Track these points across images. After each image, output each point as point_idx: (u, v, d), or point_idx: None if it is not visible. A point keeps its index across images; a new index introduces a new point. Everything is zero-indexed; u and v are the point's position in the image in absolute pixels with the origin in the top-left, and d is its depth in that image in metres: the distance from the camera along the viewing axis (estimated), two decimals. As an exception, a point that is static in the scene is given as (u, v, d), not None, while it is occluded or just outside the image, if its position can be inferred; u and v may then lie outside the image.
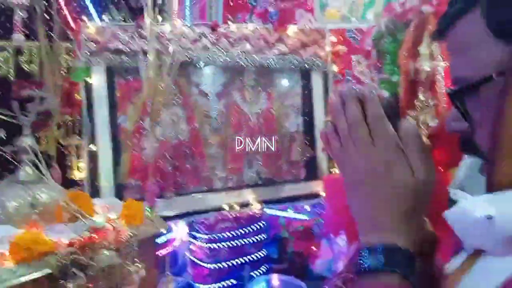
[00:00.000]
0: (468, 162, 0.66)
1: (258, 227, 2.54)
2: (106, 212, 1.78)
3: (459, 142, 0.64)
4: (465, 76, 0.58)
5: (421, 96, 1.85)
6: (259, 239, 2.54)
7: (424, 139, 1.86)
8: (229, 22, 2.63)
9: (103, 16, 2.41)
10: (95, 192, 2.25)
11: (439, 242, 0.71)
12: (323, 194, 2.63)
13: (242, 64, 2.57)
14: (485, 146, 0.57)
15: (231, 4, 3.10)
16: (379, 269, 0.56)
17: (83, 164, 2.36)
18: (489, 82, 0.54)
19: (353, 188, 0.61)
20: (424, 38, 1.86)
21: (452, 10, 0.59)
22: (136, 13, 2.52)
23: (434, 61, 1.82)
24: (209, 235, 2.40)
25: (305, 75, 2.79)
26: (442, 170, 1.78)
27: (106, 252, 1.55)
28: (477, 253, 0.57)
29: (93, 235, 1.55)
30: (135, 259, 1.61)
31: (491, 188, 0.56)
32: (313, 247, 2.64)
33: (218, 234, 2.41)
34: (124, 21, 2.45)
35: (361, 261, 0.58)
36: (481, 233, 0.53)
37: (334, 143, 0.62)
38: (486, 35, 0.55)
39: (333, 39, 2.71)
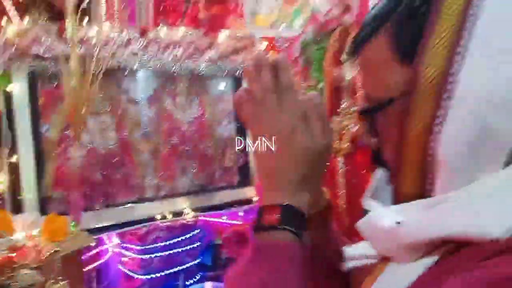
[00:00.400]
0: (381, 172, 0.70)
1: (193, 235, 2.52)
2: (27, 228, 1.69)
3: (371, 155, 0.68)
4: (373, 95, 0.61)
5: (344, 102, 1.92)
6: (193, 248, 2.52)
7: (348, 144, 1.92)
8: (159, 27, 2.59)
9: (24, 18, 2.28)
10: (17, 206, 2.12)
11: (334, 208, 0.79)
12: (256, 199, 2.65)
13: (173, 70, 2.54)
14: (391, 161, 0.60)
15: (162, 7, 3.05)
16: (272, 226, 0.60)
17: (3, 176, 2.23)
18: (393, 102, 0.58)
19: (260, 152, 0.65)
20: (346, 47, 1.94)
21: (362, 33, 0.63)
22: (61, 15, 2.42)
23: (355, 68, 1.90)
24: (141, 246, 2.35)
25: (237, 81, 2.81)
26: (364, 172, 1.87)
27: (26, 271, 1.48)
28: (387, 260, 0.60)
29: (12, 254, 1.47)
30: (59, 277, 1.54)
31: (396, 199, 0.60)
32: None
33: (151, 245, 2.36)
34: (47, 23, 2.34)
35: (257, 220, 0.61)
36: (388, 242, 0.57)
37: (246, 107, 0.66)
38: (391, 58, 0.58)
39: (264, 45, 2.75)
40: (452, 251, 0.51)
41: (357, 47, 0.63)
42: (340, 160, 2.15)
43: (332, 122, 2.13)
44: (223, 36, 2.69)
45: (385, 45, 0.58)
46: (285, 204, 0.61)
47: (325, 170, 0.68)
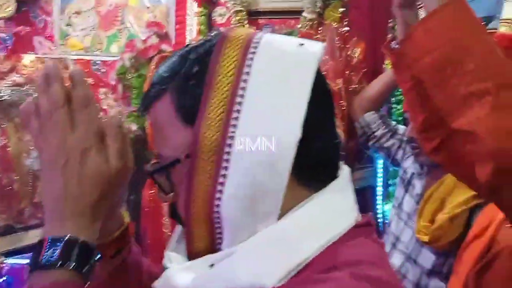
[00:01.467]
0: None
1: (-3, 284, 2.18)
2: None
3: (168, 210, 0.68)
4: (162, 154, 0.62)
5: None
6: (-2, 299, 2.18)
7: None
8: None
9: None
10: None
11: (131, 233, 0.75)
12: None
13: (-34, 95, 2.20)
14: (182, 216, 0.61)
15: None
16: (51, 263, 0.54)
17: None
18: (180, 162, 0.59)
19: (46, 173, 0.59)
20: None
21: (149, 92, 0.62)
22: None
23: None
24: None
25: (48, 108, 2.58)
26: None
27: None
28: None
29: None
30: None
31: (188, 253, 0.61)
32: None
33: None
34: None
35: (34, 257, 0.55)
36: None
37: (33, 123, 0.59)
38: (175, 119, 0.59)
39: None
40: None
41: (146, 105, 0.63)
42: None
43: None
44: (28, 59, 2.45)
45: (169, 107, 0.59)
46: (67, 237, 0.55)
47: (123, 196, 0.65)
